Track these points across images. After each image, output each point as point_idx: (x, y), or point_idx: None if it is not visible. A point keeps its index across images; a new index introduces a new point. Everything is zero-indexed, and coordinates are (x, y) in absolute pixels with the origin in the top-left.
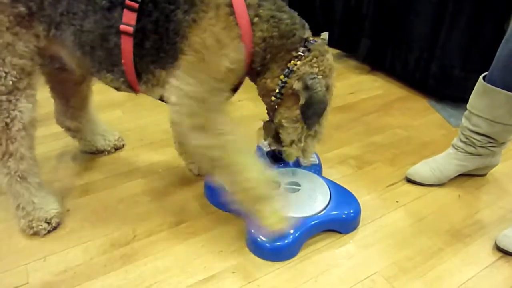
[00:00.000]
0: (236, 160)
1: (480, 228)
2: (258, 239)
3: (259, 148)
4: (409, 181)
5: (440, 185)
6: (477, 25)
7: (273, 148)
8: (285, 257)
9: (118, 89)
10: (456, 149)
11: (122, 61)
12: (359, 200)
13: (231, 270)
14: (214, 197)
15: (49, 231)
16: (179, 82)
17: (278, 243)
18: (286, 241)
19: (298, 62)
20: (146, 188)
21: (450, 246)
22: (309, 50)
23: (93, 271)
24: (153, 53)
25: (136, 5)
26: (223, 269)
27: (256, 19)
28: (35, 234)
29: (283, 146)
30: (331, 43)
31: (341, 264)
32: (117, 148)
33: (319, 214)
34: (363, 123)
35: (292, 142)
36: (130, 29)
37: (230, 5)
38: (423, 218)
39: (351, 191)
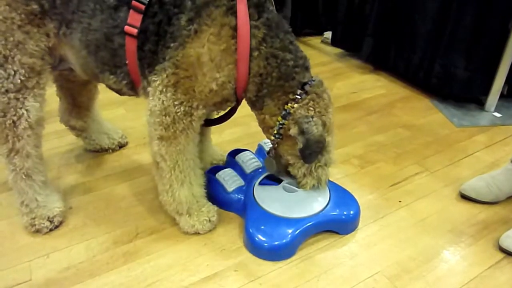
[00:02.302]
0: (178, 176)
1: (482, 229)
2: (256, 238)
3: (260, 148)
4: (464, 197)
5: (496, 202)
6: (481, 25)
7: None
8: (282, 256)
9: (119, 91)
10: None
11: (127, 61)
12: (361, 199)
13: (233, 268)
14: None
15: (51, 229)
16: (162, 97)
17: (276, 243)
18: (284, 241)
19: (295, 105)
20: (148, 186)
21: (452, 246)
22: (306, 93)
23: (95, 268)
24: (149, 56)
25: (143, 6)
26: (226, 267)
27: (255, 53)
28: (37, 231)
29: (298, 182)
30: (334, 42)
31: (344, 263)
32: (121, 146)
33: (318, 214)
34: (366, 123)
35: (304, 175)
36: (134, 31)
37: (235, 29)
38: (426, 218)
39: (353, 190)
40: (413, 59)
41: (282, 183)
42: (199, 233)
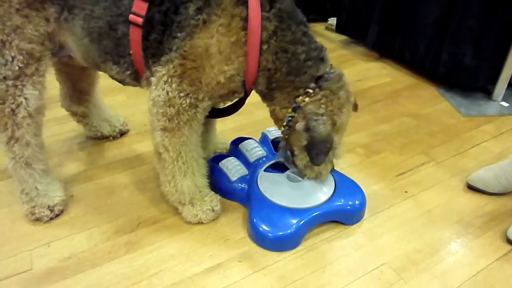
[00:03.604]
0: (181, 167)
1: (490, 220)
2: (260, 228)
3: (264, 136)
4: (471, 188)
5: (504, 194)
6: (489, 12)
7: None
8: (287, 247)
9: (122, 82)
10: None
11: (131, 51)
12: (367, 189)
13: (237, 258)
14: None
15: (51, 218)
16: (166, 87)
17: (281, 233)
18: (288, 231)
19: (306, 99)
20: (150, 174)
21: (459, 238)
22: (320, 88)
23: (97, 258)
24: (154, 46)
25: None
26: (229, 257)
27: (265, 47)
28: (37, 220)
29: (300, 171)
30: (339, 29)
31: (350, 255)
32: (122, 133)
33: (323, 205)
34: (371, 111)
35: (305, 167)
36: (140, 20)
37: (245, 20)
38: (432, 209)
39: (359, 180)
40: (420, 47)
41: (286, 172)
42: (202, 222)
